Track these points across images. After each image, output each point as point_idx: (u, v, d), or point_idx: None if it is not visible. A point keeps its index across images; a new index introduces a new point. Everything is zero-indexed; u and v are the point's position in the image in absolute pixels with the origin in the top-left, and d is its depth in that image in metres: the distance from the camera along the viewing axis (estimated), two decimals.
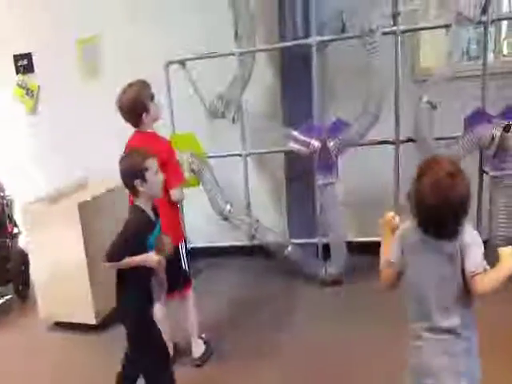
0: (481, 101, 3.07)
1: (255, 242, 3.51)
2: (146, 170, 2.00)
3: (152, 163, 2.03)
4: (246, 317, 3.19)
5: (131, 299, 2.00)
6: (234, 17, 3.30)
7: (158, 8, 3.71)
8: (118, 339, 2.26)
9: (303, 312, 3.21)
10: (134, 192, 2.03)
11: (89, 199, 3.09)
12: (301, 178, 3.51)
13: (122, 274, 1.98)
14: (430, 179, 1.43)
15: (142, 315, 2.03)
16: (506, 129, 2.89)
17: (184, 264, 2.60)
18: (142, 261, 1.96)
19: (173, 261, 2.30)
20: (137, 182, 2.00)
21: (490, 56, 3.35)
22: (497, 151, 3.02)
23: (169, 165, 2.35)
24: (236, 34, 3.36)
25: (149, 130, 2.49)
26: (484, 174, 3.17)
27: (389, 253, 1.61)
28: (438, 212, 1.44)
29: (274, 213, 3.87)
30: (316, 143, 3.26)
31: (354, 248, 3.41)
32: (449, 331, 1.50)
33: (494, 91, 3.08)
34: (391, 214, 1.71)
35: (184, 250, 2.60)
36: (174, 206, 2.54)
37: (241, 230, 3.50)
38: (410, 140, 3.18)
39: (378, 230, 1.69)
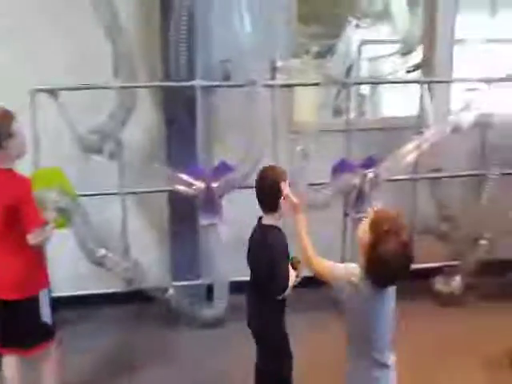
0: (345, 152, 3.21)
1: (133, 288, 3.02)
2: None
3: None
4: (120, 376, 2.79)
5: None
6: (114, 50, 2.85)
7: (28, 32, 3.01)
8: None
9: (183, 359, 2.96)
10: None
11: None
12: (184, 219, 3.20)
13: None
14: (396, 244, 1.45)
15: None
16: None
17: (44, 315, 2.24)
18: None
19: (31, 311, 2.12)
20: None
21: (353, 114, 3.59)
22: (357, 196, 3.19)
23: (24, 206, 2.04)
24: (115, 68, 2.92)
25: (5, 167, 2.12)
26: (347, 217, 3.27)
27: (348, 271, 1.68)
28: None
29: (155, 255, 3.45)
30: (200, 184, 3.01)
31: (238, 288, 3.21)
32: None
33: (356, 144, 3.32)
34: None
35: (46, 299, 2.25)
36: (35, 250, 2.17)
37: (117, 275, 2.97)
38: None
39: None
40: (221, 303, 3.30)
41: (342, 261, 3.48)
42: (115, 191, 3.19)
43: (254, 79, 2.99)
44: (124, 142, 3.13)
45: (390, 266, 1.48)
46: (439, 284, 3.64)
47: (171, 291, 3.23)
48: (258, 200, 2.07)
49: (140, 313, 3.41)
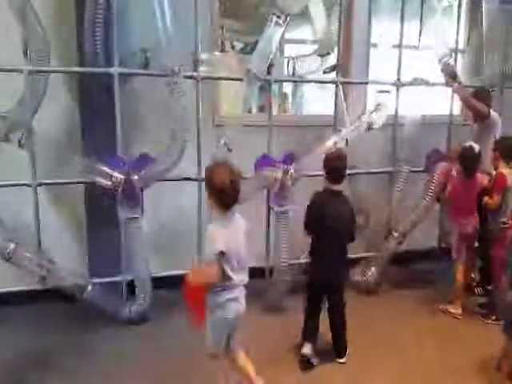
0: (267, 147, 3.21)
1: (47, 286, 2.76)
2: None
3: None
4: (35, 375, 2.57)
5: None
6: (24, 32, 2.61)
7: None
8: None
9: (104, 360, 2.78)
10: None
11: None
12: (103, 213, 3.00)
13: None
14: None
15: None
16: None
17: None
18: None
19: None
20: None
21: (275, 110, 3.59)
22: (279, 190, 3.20)
23: None
24: (25, 51, 2.67)
25: None
26: (271, 210, 3.28)
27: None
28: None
29: (72, 251, 3.21)
30: (119, 176, 2.85)
31: (160, 283, 3.08)
32: None
33: (278, 140, 3.35)
34: None
35: None
36: None
37: (30, 273, 2.71)
38: None
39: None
40: (143, 299, 3.12)
41: (267, 252, 3.48)
42: (26, 182, 2.90)
43: (174, 69, 2.87)
44: (36, 131, 2.85)
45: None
46: (357, 275, 3.75)
47: (90, 289, 3.00)
48: (337, 175, 2.71)
49: (59, 311, 3.13)
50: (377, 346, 3.02)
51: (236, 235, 2.07)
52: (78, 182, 3.07)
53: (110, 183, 2.95)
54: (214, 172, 2.04)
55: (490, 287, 3.54)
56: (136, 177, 3.00)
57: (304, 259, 3.32)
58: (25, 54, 2.81)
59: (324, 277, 2.72)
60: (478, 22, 3.97)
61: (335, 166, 2.68)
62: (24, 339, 2.96)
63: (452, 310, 3.44)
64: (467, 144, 3.33)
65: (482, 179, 3.36)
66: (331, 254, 2.69)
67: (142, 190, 3.05)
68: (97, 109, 3.07)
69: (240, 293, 2.12)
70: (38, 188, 2.98)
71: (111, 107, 2.94)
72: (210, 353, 2.18)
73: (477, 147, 3.27)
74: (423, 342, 3.08)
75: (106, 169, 2.95)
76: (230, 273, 2.03)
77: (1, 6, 2.72)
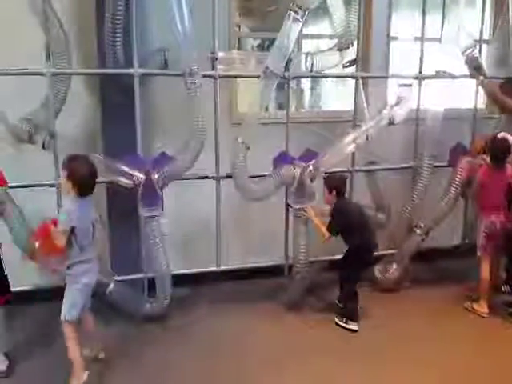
0: (285, 145, 3.12)
1: None
2: None
3: None
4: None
5: None
6: (46, 36, 2.61)
7: None
8: None
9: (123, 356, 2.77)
10: None
11: None
12: (124, 212, 2.98)
13: None
14: None
15: None
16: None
17: None
18: None
19: None
20: None
21: (293, 107, 3.50)
22: (297, 188, 3.11)
23: None
24: (48, 54, 2.67)
25: None
26: (289, 208, 3.19)
27: None
28: None
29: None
30: (140, 175, 2.83)
31: (180, 280, 3.06)
32: None
33: (295, 137, 3.27)
34: None
35: None
36: None
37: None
38: (228, 176, 3.03)
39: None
40: (163, 297, 3.10)
41: (286, 249, 3.38)
42: (50, 182, 2.91)
43: (193, 69, 2.81)
44: (58, 132, 2.86)
45: None
46: (378, 272, 3.63)
47: (112, 286, 3.00)
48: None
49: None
50: (396, 344, 2.92)
51: (86, 219, 2.39)
52: (100, 182, 3.06)
53: (130, 182, 2.92)
54: (77, 163, 2.32)
55: None
56: (156, 176, 2.97)
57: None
58: (47, 56, 2.80)
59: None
60: (505, 8, 3.73)
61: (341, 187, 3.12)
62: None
63: (477, 308, 3.28)
64: (499, 134, 3.17)
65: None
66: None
67: (161, 189, 3.01)
68: (117, 109, 3.05)
69: (90, 267, 2.44)
70: None
71: (131, 107, 2.91)
72: (65, 320, 2.40)
73: (510, 138, 3.09)
74: (446, 342, 2.96)
75: (126, 168, 2.92)
76: (77, 247, 2.35)
77: (22, 9, 2.71)
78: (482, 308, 3.27)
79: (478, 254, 3.30)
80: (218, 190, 3.24)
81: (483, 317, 3.25)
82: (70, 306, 2.42)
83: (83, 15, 3.10)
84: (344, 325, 3.13)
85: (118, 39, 2.80)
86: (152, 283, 3.14)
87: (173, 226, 3.22)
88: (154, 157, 3.03)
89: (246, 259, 3.53)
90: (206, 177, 3.22)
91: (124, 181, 2.96)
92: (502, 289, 3.57)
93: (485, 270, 3.29)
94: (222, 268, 3.39)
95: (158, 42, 3.08)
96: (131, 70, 2.91)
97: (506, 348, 2.89)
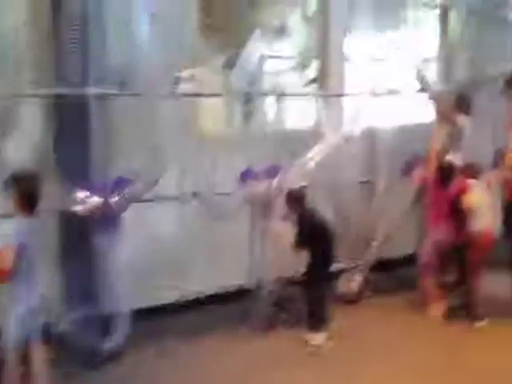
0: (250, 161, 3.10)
1: None
2: None
3: None
4: None
5: None
6: None
7: None
8: None
9: None
10: None
11: None
12: (78, 241, 2.74)
13: None
14: None
15: None
16: None
17: None
18: None
19: None
20: None
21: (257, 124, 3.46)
22: (264, 204, 3.09)
23: None
24: None
25: None
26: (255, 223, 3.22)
27: None
28: None
29: (44, 282, 2.88)
30: (97, 200, 2.60)
31: (139, 312, 2.85)
32: None
33: (260, 153, 3.26)
34: None
35: None
36: None
37: None
38: (193, 195, 2.92)
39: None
40: (120, 333, 2.86)
41: (251, 263, 3.36)
42: None
43: (154, 88, 2.68)
44: (5, 156, 2.58)
45: None
46: (340, 284, 3.68)
47: (64, 324, 2.72)
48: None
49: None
50: (363, 351, 3.00)
51: (33, 237, 2.23)
52: (50, 210, 2.80)
53: (85, 209, 2.70)
54: (23, 180, 2.21)
55: (465, 289, 3.55)
56: (114, 200, 2.77)
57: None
58: None
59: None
60: (448, 31, 3.99)
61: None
62: None
63: (431, 312, 3.43)
64: (446, 160, 3.44)
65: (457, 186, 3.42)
66: None
67: (119, 215, 2.81)
68: (71, 130, 2.82)
69: (34, 289, 2.25)
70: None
71: (86, 128, 2.70)
72: (9, 346, 2.17)
73: (454, 162, 3.37)
74: (407, 345, 3.08)
75: (81, 194, 2.69)
76: (24, 267, 2.17)
77: None
78: (435, 311, 3.47)
79: (424, 260, 3.45)
80: (182, 212, 3.10)
81: (438, 319, 3.43)
82: (16, 332, 2.18)
83: (38, 34, 2.84)
84: (313, 341, 3.12)
85: (73, 59, 2.60)
86: (108, 318, 2.90)
87: (133, 253, 3.01)
88: (112, 180, 2.83)
89: (212, 283, 3.42)
90: (170, 197, 3.07)
91: (79, 207, 2.73)
92: (453, 295, 3.77)
93: (431, 276, 3.50)
94: (187, 295, 3.25)
95: (117, 62, 2.90)
96: (86, 90, 2.71)
97: (458, 344, 3.10)
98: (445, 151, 3.46)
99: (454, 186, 3.43)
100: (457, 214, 3.41)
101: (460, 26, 4.07)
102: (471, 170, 3.43)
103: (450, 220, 3.40)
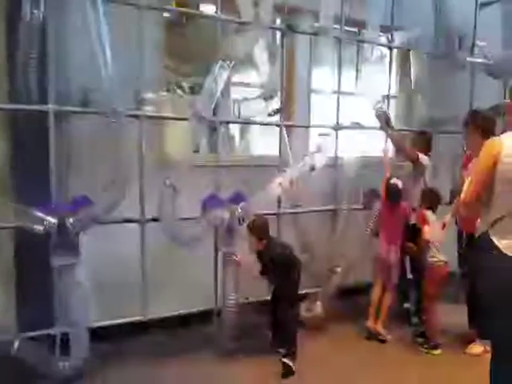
0: (214, 187, 3.08)
1: None
2: None
3: None
4: None
5: None
6: None
7: None
8: None
9: None
10: None
11: None
12: (34, 260, 2.65)
13: None
14: None
15: None
16: None
17: None
18: None
19: None
20: None
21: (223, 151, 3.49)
22: (227, 231, 3.07)
23: None
24: None
25: None
26: (218, 251, 3.13)
27: None
28: None
29: None
30: (53, 220, 2.54)
31: (98, 334, 2.76)
32: None
33: (225, 180, 3.27)
34: None
35: None
36: None
37: None
38: (154, 219, 2.87)
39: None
40: (80, 354, 2.76)
41: (215, 293, 3.29)
42: None
43: (117, 108, 2.67)
44: None
45: None
46: (303, 311, 3.67)
47: (18, 344, 2.59)
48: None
49: None
50: (326, 377, 3.02)
51: None
52: (6, 228, 2.71)
53: (41, 228, 2.62)
54: None
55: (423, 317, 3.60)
56: (71, 220, 2.70)
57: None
58: None
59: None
60: (408, 70, 4.18)
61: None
62: None
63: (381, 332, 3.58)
64: (392, 180, 3.56)
65: (407, 209, 3.59)
66: None
67: (78, 235, 2.74)
68: (29, 149, 2.76)
69: None
70: None
71: (45, 147, 2.65)
72: None
73: (399, 183, 3.51)
74: (369, 373, 3.11)
75: (37, 213, 2.62)
76: None
77: None
78: (379, 329, 3.57)
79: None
80: (143, 235, 3.04)
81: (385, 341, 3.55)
82: None
83: None
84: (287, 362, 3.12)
85: (31, 74, 2.56)
86: (66, 339, 2.79)
87: (93, 273, 2.93)
88: (70, 200, 2.77)
89: (175, 306, 3.34)
90: (130, 220, 3.02)
91: (35, 226, 2.64)
92: (412, 321, 3.82)
93: (374, 293, 3.63)
94: (149, 317, 3.15)
95: (80, 80, 2.89)
96: (45, 107, 2.68)
97: (408, 368, 3.20)
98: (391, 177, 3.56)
99: (403, 209, 3.58)
100: (412, 239, 3.57)
101: (419, 67, 4.28)
102: (430, 198, 3.51)
103: (398, 241, 3.54)
